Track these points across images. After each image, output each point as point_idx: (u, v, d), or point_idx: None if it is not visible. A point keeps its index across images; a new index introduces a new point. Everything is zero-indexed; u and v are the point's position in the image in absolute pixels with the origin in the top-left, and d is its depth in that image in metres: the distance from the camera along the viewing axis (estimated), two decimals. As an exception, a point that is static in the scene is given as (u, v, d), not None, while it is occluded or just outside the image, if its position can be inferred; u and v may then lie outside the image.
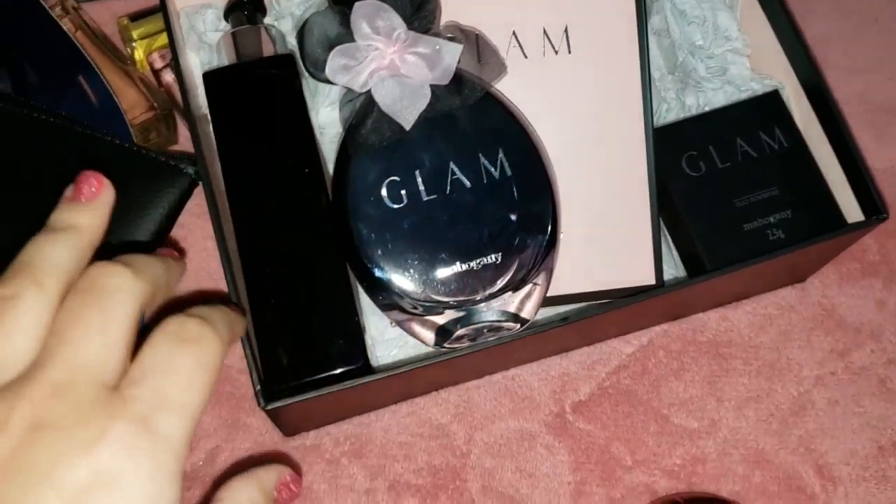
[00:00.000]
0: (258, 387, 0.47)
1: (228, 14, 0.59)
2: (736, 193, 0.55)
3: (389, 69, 0.48)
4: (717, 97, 0.60)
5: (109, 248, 0.40)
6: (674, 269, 0.58)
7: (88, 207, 0.37)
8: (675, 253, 0.58)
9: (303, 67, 0.52)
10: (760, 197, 0.55)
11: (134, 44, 0.64)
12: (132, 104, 0.61)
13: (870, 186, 0.53)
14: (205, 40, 0.61)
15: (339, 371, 0.49)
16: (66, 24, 0.63)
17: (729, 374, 0.58)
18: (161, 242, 0.57)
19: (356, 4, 0.48)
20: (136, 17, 0.65)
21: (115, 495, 0.30)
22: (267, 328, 0.50)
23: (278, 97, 0.53)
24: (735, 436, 0.57)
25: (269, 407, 0.47)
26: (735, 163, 0.56)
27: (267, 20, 0.60)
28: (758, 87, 0.60)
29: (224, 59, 0.57)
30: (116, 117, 0.58)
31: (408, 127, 0.49)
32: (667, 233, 0.58)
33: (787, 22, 0.57)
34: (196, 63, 0.61)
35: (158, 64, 0.64)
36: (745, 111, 0.58)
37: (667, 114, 0.60)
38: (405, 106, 0.48)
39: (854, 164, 0.54)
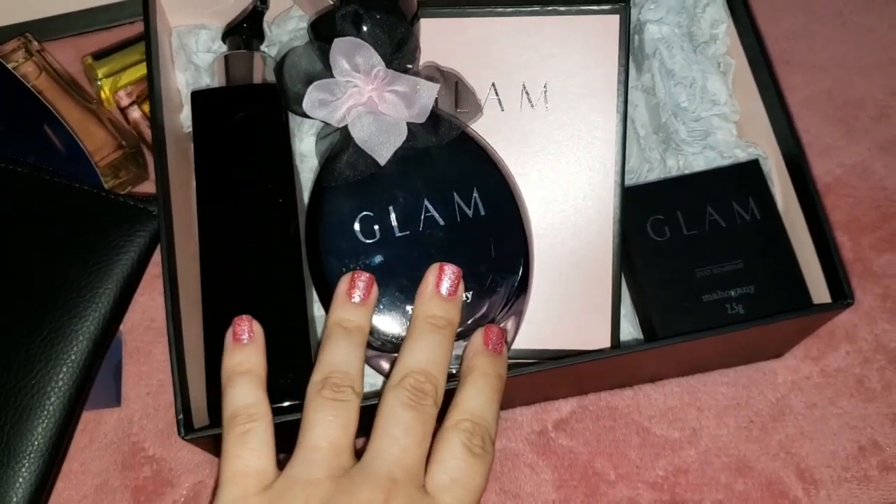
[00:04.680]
0: (180, 416, 0.48)
1: (226, 36, 0.60)
2: (698, 263, 0.54)
3: (367, 105, 0.49)
4: (697, 161, 0.58)
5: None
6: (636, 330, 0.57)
7: (364, 306, 0.47)
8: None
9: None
10: (724, 269, 0.54)
11: (99, 82, 0.64)
12: (100, 144, 0.62)
13: (840, 273, 0.51)
14: (194, 60, 0.61)
15: (285, 404, 0.49)
16: (29, 67, 0.63)
17: (707, 384, 0.59)
18: (134, 285, 0.58)
19: (335, 41, 0.48)
20: (100, 54, 0.65)
21: None
22: (217, 355, 0.49)
23: (262, 124, 0.53)
24: (716, 444, 0.58)
25: (188, 437, 0.47)
26: (702, 231, 0.54)
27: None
28: (742, 155, 0.58)
29: (214, 80, 0.58)
30: (84, 162, 0.59)
31: (383, 162, 0.49)
32: (629, 294, 0.57)
33: (774, 91, 0.55)
34: (182, 82, 0.62)
35: (124, 102, 0.64)
36: (721, 178, 0.56)
37: (648, 174, 0.59)
38: (381, 142, 0.48)
39: (826, 247, 0.52)
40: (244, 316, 0.47)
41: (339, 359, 0.45)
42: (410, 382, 0.44)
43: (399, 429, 0.42)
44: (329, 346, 0.45)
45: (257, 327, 0.47)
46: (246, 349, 0.46)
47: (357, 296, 0.47)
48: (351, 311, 0.47)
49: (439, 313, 0.46)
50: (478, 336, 0.47)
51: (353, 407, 0.43)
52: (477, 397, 0.44)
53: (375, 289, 0.48)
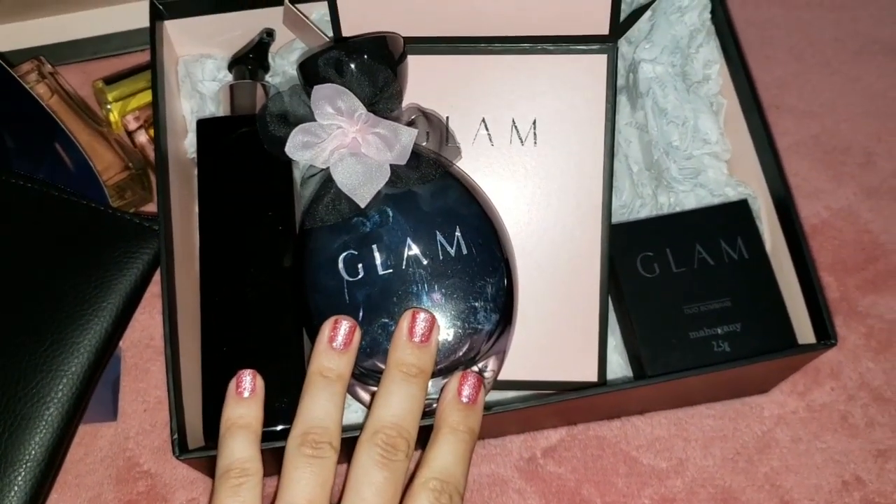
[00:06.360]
0: (175, 436, 0.49)
1: (232, 66, 0.61)
2: (686, 300, 0.55)
3: (350, 147, 0.50)
4: (688, 199, 0.60)
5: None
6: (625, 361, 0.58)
7: (345, 354, 0.48)
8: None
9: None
10: (711, 307, 0.55)
11: (109, 106, 0.66)
12: (108, 165, 0.63)
13: (824, 314, 0.52)
14: (199, 89, 0.63)
15: (279, 428, 0.50)
16: (42, 89, 0.65)
17: (694, 416, 0.60)
18: (136, 301, 0.59)
19: (317, 87, 0.49)
20: (111, 79, 0.67)
21: None
22: (214, 377, 0.51)
23: (265, 153, 0.53)
24: (703, 474, 0.59)
25: (183, 457, 0.49)
26: (690, 269, 0.56)
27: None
28: (732, 194, 0.60)
29: (219, 108, 0.59)
30: (92, 180, 0.60)
31: (363, 205, 0.49)
32: (619, 328, 0.59)
33: (764, 133, 0.57)
34: (187, 109, 0.63)
35: (132, 125, 0.66)
36: (710, 217, 0.57)
37: (641, 209, 0.61)
38: (362, 184, 0.49)
39: (812, 288, 0.53)
40: (248, 370, 0.48)
41: (318, 413, 0.46)
42: (382, 438, 0.45)
43: (370, 490, 0.44)
44: (309, 398, 0.47)
45: (259, 382, 0.48)
46: (247, 403, 0.48)
47: (339, 342, 0.48)
48: (332, 359, 0.48)
49: (411, 361, 0.47)
50: (453, 384, 0.48)
51: (331, 463, 0.45)
52: (447, 455, 0.45)
53: (358, 334, 0.48)
